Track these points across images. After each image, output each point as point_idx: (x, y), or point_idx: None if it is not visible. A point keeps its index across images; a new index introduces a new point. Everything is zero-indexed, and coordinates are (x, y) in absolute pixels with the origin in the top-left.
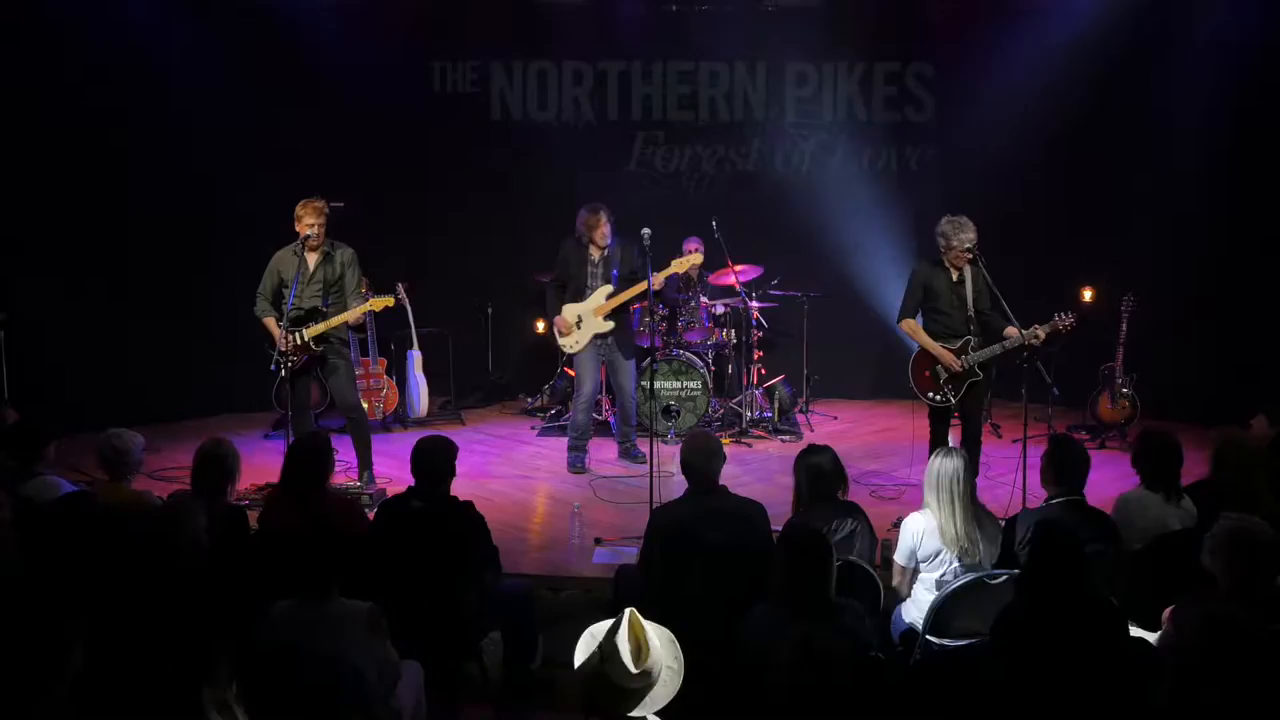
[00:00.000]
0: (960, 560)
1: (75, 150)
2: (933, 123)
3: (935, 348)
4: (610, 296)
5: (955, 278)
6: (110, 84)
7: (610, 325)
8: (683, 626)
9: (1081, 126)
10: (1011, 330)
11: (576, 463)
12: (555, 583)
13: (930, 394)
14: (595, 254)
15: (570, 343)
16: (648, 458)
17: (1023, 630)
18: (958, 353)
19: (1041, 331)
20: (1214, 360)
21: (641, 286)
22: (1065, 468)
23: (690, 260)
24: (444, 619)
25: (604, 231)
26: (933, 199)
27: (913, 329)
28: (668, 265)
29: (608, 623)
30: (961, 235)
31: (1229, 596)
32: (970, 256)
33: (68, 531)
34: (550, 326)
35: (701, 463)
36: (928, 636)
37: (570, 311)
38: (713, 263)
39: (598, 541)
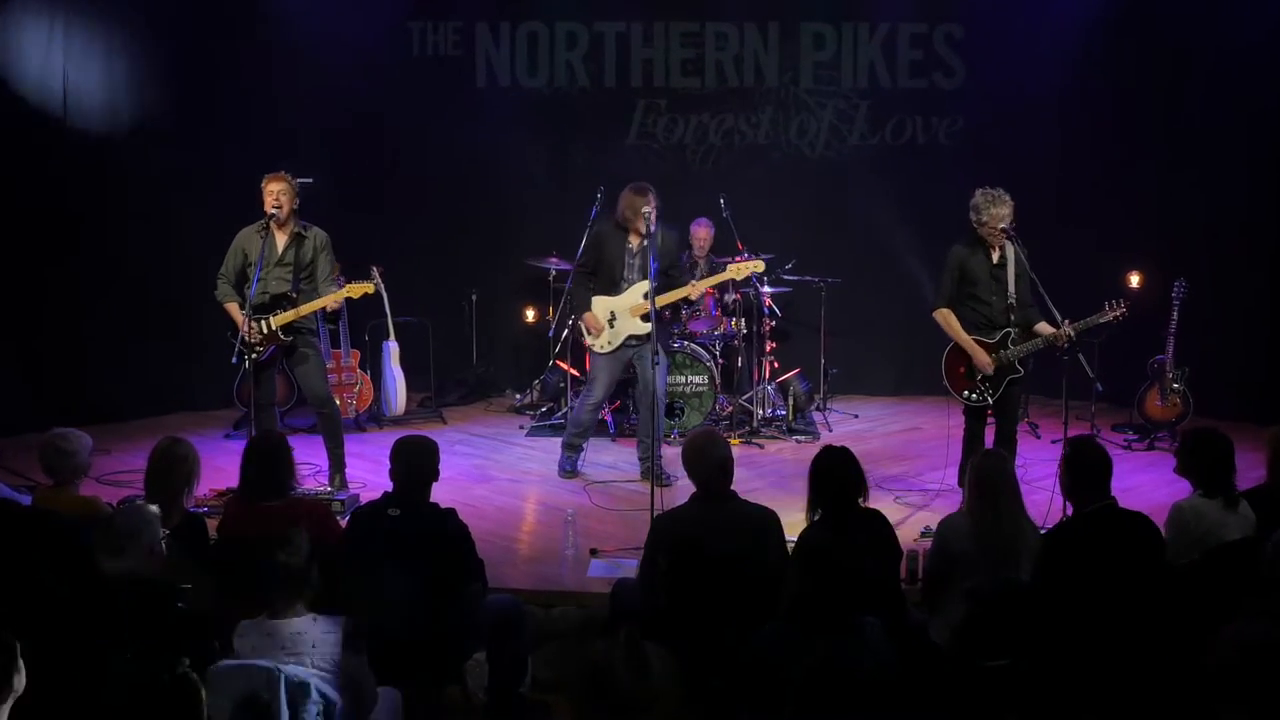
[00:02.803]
0: (998, 571)
1: (7, 125)
2: (963, 90)
3: (969, 343)
4: (648, 295)
5: (996, 259)
6: (45, 43)
7: (648, 327)
8: (687, 646)
9: (1128, 94)
10: (1044, 327)
11: (568, 464)
12: (546, 598)
13: (966, 393)
14: (634, 242)
15: (601, 343)
16: (671, 478)
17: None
18: (995, 347)
19: (1073, 330)
20: (1274, 353)
21: (687, 290)
22: (1085, 473)
23: (751, 266)
24: (424, 638)
25: (651, 218)
26: (963, 174)
27: (946, 320)
28: (723, 269)
29: None
30: (995, 210)
31: None
32: (1007, 235)
33: None
34: (575, 320)
35: (708, 466)
36: (958, 654)
37: (601, 307)
38: (720, 245)
39: (593, 553)
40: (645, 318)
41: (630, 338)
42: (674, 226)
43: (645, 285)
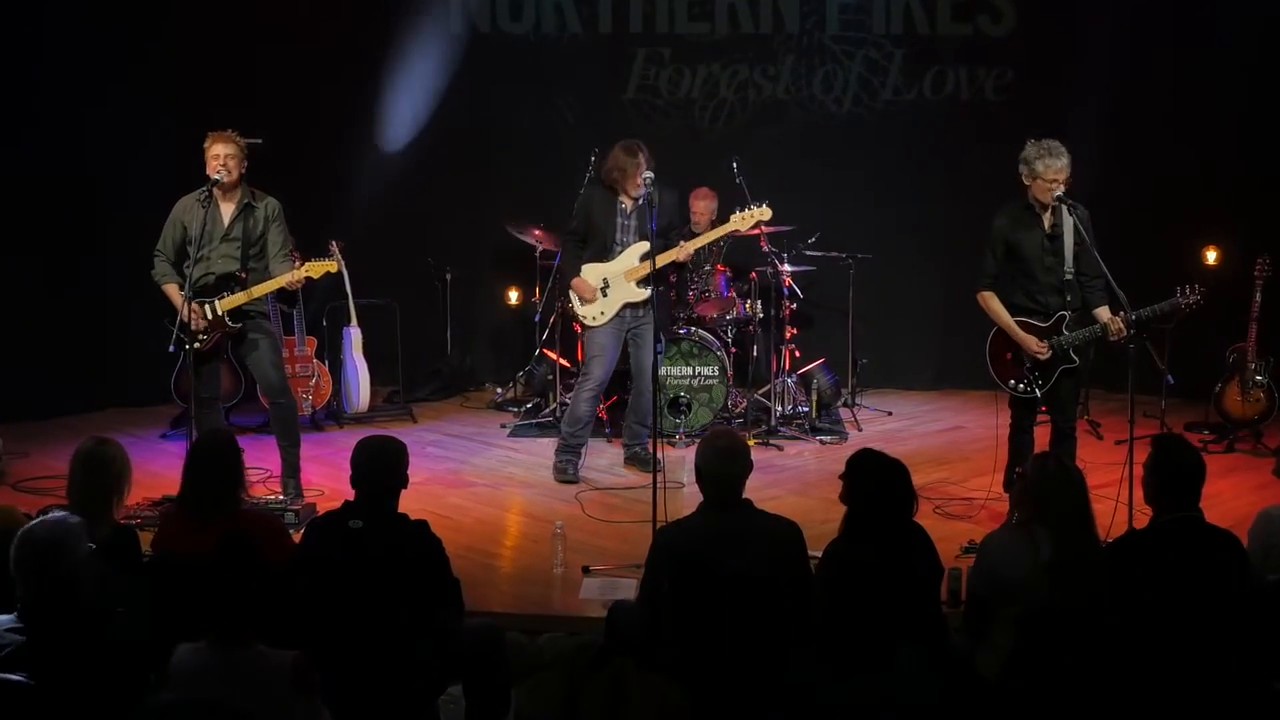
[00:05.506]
0: (1055, 594)
1: None
2: (1013, 37)
3: (1014, 329)
4: (645, 256)
5: (1049, 228)
6: None
7: (646, 294)
8: (695, 677)
9: (1201, 42)
10: (1103, 312)
11: (568, 468)
12: (532, 623)
13: (1013, 382)
14: (627, 203)
15: (594, 313)
16: (657, 463)
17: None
18: (1047, 332)
19: (1124, 323)
20: None
21: (676, 253)
22: (1174, 478)
23: (757, 215)
24: (390, 670)
25: (640, 180)
26: (1012, 134)
27: (989, 304)
28: (726, 242)
29: None
30: (1049, 161)
31: None
32: (1061, 194)
33: None
34: (563, 291)
35: (721, 469)
36: (1007, 689)
37: (594, 273)
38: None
39: (586, 571)
40: (642, 283)
41: (625, 306)
42: (672, 186)
43: (643, 246)
